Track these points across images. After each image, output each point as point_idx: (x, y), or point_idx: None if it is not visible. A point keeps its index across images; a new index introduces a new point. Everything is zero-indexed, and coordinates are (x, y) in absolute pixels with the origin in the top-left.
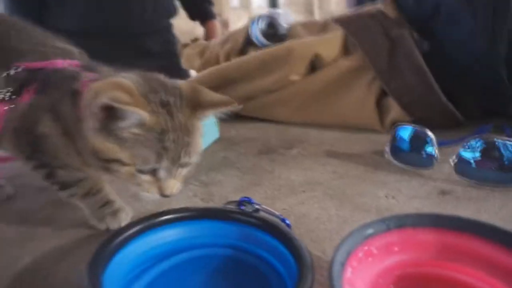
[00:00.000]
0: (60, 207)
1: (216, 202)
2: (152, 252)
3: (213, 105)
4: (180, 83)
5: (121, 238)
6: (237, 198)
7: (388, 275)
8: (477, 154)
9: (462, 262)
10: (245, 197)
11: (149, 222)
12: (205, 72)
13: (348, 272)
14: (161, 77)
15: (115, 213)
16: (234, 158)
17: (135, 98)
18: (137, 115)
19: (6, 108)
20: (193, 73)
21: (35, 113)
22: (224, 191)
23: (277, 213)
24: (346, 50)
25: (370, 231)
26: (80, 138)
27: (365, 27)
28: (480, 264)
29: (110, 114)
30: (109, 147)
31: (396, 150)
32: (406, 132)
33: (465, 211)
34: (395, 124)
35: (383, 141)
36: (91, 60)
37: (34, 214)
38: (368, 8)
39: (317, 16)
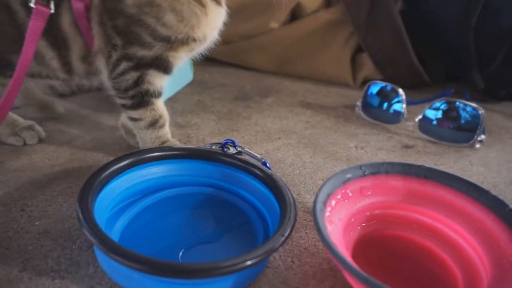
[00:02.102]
0: (36, 146)
1: (194, 144)
2: (138, 187)
3: None
4: None
5: (109, 171)
6: (214, 141)
7: (360, 215)
8: (439, 114)
9: (424, 206)
10: (229, 139)
11: (136, 158)
12: None
13: (327, 211)
14: None
15: None
16: (209, 102)
17: None
18: None
19: (81, 5)
20: None
21: None
22: (201, 134)
23: (258, 156)
24: (327, 2)
25: (348, 175)
26: None
27: None
28: (438, 207)
29: None
30: None
31: (366, 105)
32: (377, 88)
33: (425, 164)
34: (367, 81)
35: (354, 96)
36: None
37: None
38: None
39: None
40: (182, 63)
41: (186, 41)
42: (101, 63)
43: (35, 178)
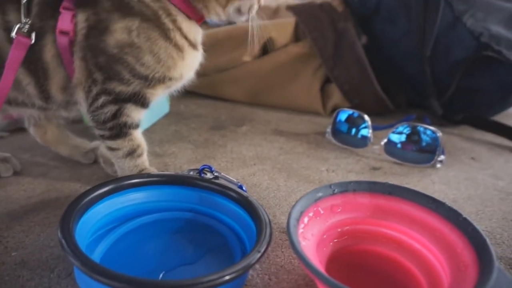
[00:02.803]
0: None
1: (172, 172)
2: (117, 213)
3: None
4: None
5: (89, 198)
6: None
7: (332, 232)
8: (403, 138)
9: (390, 220)
10: (206, 165)
11: (115, 185)
12: None
13: (301, 228)
14: None
15: None
16: (185, 132)
17: None
18: None
19: (65, 40)
20: None
21: (102, 23)
22: (179, 162)
23: (235, 180)
24: (296, 37)
25: (319, 194)
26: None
27: (315, 17)
28: (402, 220)
29: None
30: None
31: (336, 131)
32: (345, 116)
33: None
34: (336, 109)
35: (324, 123)
36: None
37: None
38: (318, 0)
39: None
40: (160, 98)
41: (163, 80)
42: (80, 96)
43: (11, 209)
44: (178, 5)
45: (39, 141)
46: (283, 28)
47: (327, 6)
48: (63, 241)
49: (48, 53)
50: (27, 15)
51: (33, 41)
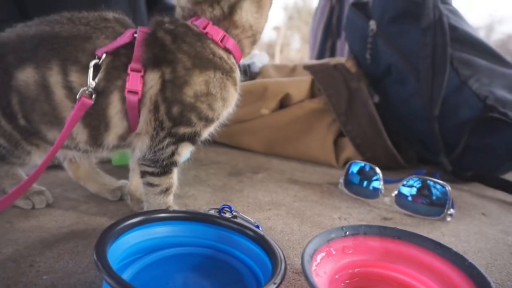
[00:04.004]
0: (44, 209)
1: None
2: (143, 244)
3: None
4: None
5: (121, 227)
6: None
7: (344, 273)
8: (414, 191)
9: (399, 263)
10: (226, 205)
11: (145, 217)
12: None
13: (314, 265)
14: None
15: None
16: (204, 177)
17: None
18: None
19: (135, 98)
20: None
21: (181, 78)
22: (198, 204)
23: (252, 220)
24: (312, 93)
25: (332, 235)
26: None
27: (330, 76)
28: (412, 265)
29: None
30: None
31: (348, 182)
32: (357, 168)
33: None
34: (349, 161)
35: (337, 174)
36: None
37: (11, 208)
38: (333, 61)
39: (278, 59)
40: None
41: (218, 119)
42: (139, 140)
43: (44, 237)
44: (237, 58)
45: (71, 176)
46: (299, 85)
47: (341, 67)
48: (99, 263)
49: (113, 110)
50: (90, 77)
51: (92, 102)
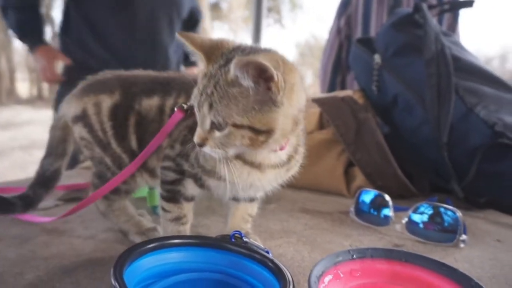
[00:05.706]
0: (64, 238)
1: None
2: (157, 269)
3: None
4: None
5: (137, 251)
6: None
7: None
8: (425, 218)
9: (407, 286)
10: (237, 231)
11: (159, 243)
12: None
13: (321, 287)
14: None
15: None
16: (217, 208)
17: None
18: None
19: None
20: None
21: None
22: (211, 233)
23: (262, 246)
24: (321, 125)
25: (339, 258)
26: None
27: (337, 108)
28: (419, 287)
29: None
30: None
31: (359, 210)
32: (368, 196)
33: None
34: (359, 189)
35: (348, 203)
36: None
37: (35, 237)
38: (341, 93)
39: None
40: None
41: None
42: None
43: (63, 264)
44: None
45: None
46: (308, 117)
47: (349, 99)
48: (117, 284)
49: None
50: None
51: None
